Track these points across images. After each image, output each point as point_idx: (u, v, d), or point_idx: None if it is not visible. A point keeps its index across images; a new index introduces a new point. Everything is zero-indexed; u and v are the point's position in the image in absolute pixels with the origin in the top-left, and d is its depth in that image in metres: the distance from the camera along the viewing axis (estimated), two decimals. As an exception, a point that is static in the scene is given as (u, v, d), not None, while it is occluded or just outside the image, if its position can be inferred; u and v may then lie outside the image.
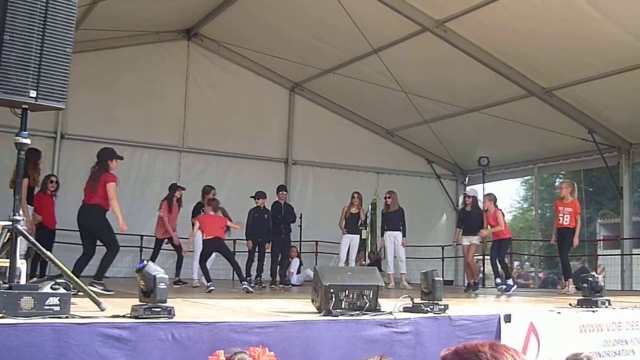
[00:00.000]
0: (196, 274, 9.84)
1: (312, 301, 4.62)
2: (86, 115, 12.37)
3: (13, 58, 3.73)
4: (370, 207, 15.22)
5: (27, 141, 3.96)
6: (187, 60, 13.64)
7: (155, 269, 3.78)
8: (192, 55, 13.69)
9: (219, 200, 9.39)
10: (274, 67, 14.11)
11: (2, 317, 3.33)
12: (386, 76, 11.70)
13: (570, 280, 9.58)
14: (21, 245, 4.32)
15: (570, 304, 5.99)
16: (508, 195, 30.82)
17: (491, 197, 10.39)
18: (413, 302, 4.77)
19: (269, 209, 10.21)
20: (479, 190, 13.17)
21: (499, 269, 10.05)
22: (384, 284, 4.86)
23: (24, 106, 3.90)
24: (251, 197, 10.14)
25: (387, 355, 2.99)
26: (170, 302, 3.81)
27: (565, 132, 12.26)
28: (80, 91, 11.01)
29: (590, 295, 5.81)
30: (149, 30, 12.87)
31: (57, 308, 3.50)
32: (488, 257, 10.76)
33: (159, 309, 3.66)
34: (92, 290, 4.29)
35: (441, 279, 5.01)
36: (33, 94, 3.79)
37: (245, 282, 8.65)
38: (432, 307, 4.69)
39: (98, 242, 7.19)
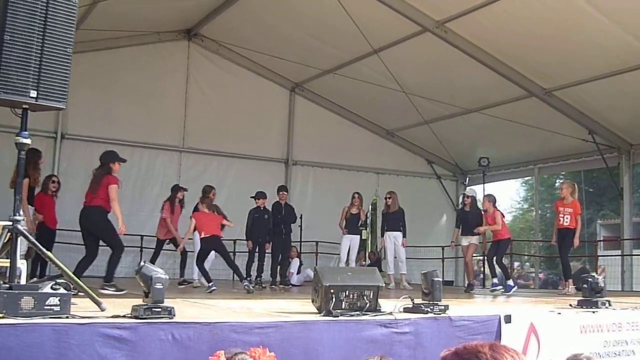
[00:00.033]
0: (196, 274, 9.85)
1: (312, 301, 4.62)
2: (86, 115, 12.37)
3: (13, 58, 3.73)
4: (370, 207, 15.21)
5: (28, 141, 3.96)
6: (188, 60, 13.64)
7: (153, 270, 3.79)
8: (193, 55, 13.69)
9: (212, 198, 9.41)
10: (274, 68, 14.11)
11: (2, 317, 3.33)
12: (386, 76, 11.70)
13: (570, 280, 9.58)
14: (21, 246, 4.32)
15: (570, 305, 5.99)
16: (508, 195, 30.91)
17: (490, 198, 10.40)
18: (413, 303, 4.77)
19: (269, 209, 10.21)
20: (479, 190, 13.21)
21: (496, 269, 10.05)
22: (384, 285, 4.86)
23: (24, 106, 3.90)
24: (251, 197, 10.14)
25: (388, 355, 2.99)
26: (170, 303, 3.81)
27: (566, 133, 12.26)
28: (80, 91, 11.00)
29: (591, 296, 5.80)
30: (149, 31, 12.88)
31: (57, 308, 3.50)
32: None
33: (159, 309, 3.66)
34: (104, 293, 4.29)
35: (441, 279, 5.01)
36: (33, 94, 3.79)
37: (246, 281, 8.66)
38: (432, 307, 4.69)
39: (101, 243, 7.21)
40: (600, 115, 12.02)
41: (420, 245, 13.58)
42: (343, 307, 4.42)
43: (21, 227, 3.87)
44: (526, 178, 21.63)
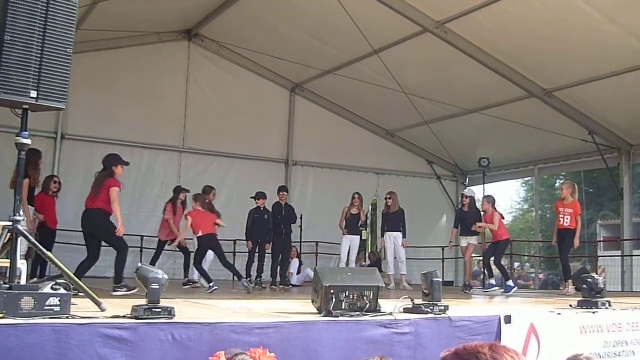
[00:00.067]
0: (197, 274, 9.84)
1: (312, 302, 4.62)
2: (86, 115, 12.37)
3: (13, 58, 3.73)
4: (370, 207, 15.22)
5: (28, 141, 3.96)
6: (188, 60, 13.64)
7: (151, 270, 3.79)
8: (193, 55, 13.69)
9: (212, 198, 9.40)
10: (274, 68, 14.11)
11: (2, 317, 3.33)
12: (386, 77, 11.70)
13: (570, 281, 9.58)
14: (21, 246, 4.32)
15: (570, 305, 5.99)
16: (508, 196, 30.94)
17: (490, 200, 10.38)
18: (413, 303, 4.77)
19: (269, 209, 10.21)
20: (479, 191, 13.20)
21: (492, 270, 10.06)
22: (384, 285, 4.85)
23: (24, 106, 3.90)
24: (251, 197, 10.13)
25: (387, 356, 2.99)
26: (170, 303, 3.81)
27: (566, 133, 12.26)
28: (80, 91, 11.00)
29: (591, 296, 5.80)
30: (149, 31, 12.88)
31: (57, 308, 3.50)
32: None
33: (159, 310, 3.66)
34: (117, 295, 4.29)
35: (440, 279, 5.01)
36: (33, 94, 3.79)
37: (244, 279, 8.66)
38: (432, 307, 4.69)
39: (103, 243, 7.21)
40: (600, 115, 12.02)
41: (420, 246, 13.59)
42: (343, 307, 4.42)
43: (21, 227, 3.87)
44: (526, 178, 21.64)
